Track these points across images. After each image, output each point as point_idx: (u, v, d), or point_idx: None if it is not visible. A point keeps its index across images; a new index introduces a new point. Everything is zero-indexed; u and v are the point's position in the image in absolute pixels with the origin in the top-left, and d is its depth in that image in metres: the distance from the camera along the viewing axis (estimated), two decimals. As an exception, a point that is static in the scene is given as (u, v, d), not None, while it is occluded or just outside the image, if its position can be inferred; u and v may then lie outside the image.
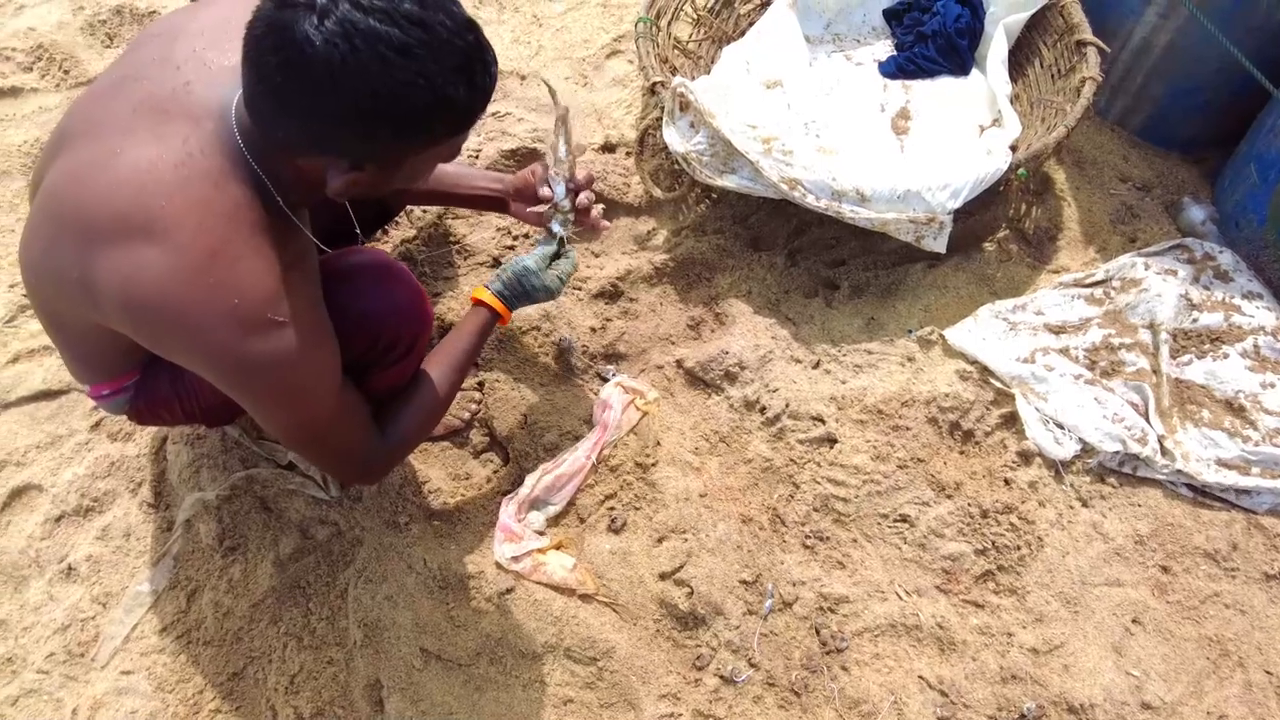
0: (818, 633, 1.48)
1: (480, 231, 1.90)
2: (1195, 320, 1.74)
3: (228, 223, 1.00)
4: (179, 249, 0.98)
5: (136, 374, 1.31)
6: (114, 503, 1.60)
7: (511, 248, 1.89)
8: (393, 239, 1.88)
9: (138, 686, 1.43)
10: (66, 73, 2.18)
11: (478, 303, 1.40)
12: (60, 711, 1.41)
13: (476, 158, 1.99)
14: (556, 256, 1.43)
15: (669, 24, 2.03)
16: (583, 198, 1.44)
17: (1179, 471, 1.58)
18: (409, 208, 1.91)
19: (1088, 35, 1.87)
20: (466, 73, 0.96)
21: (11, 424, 1.68)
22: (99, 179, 1.01)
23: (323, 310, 1.12)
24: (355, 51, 0.88)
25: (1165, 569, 1.53)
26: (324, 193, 1.06)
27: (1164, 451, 1.59)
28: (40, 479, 1.62)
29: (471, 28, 0.96)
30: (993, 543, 1.55)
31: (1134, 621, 1.49)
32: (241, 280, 0.99)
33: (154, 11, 2.32)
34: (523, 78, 2.19)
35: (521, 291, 1.41)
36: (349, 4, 0.88)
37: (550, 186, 1.43)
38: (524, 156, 2.02)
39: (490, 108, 2.09)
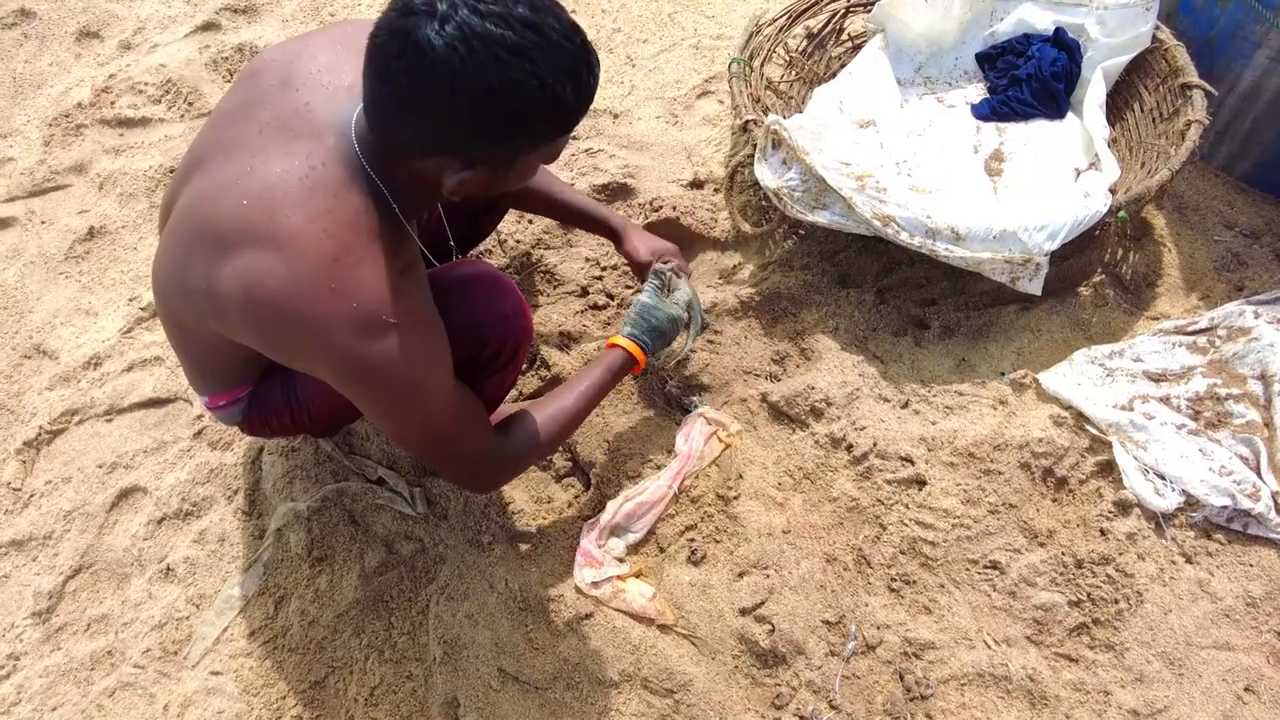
0: (902, 678, 1.43)
1: (570, 263, 1.94)
2: (1311, 373, 1.66)
3: (347, 229, 1.05)
4: (301, 255, 1.03)
5: (250, 386, 1.37)
6: (211, 508, 1.67)
7: (599, 278, 1.92)
8: (485, 266, 1.94)
9: (225, 688, 1.47)
10: (190, 105, 2.33)
11: (611, 347, 1.47)
12: (153, 706, 1.45)
13: (569, 190, 2.05)
14: (669, 292, 1.54)
15: (761, 65, 2.07)
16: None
17: (1295, 531, 1.49)
18: (503, 236, 1.97)
19: (1193, 78, 1.83)
20: (574, 74, 0.99)
21: (124, 428, 1.77)
22: (232, 195, 1.08)
23: (434, 313, 1.16)
24: (473, 53, 0.92)
25: (1281, 634, 1.44)
26: (436, 197, 1.10)
27: (1279, 508, 1.50)
28: (146, 482, 1.70)
29: (578, 31, 1.00)
30: (1088, 595, 1.49)
31: (1246, 690, 1.40)
32: (360, 284, 1.04)
33: (271, 50, 2.47)
34: (615, 116, 2.25)
35: (648, 326, 1.50)
36: (467, 10, 0.92)
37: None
38: (615, 190, 2.07)
39: (583, 144, 2.16)
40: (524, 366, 1.78)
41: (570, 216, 1.71)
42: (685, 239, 1.98)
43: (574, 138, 2.19)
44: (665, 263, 1.61)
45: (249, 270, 1.04)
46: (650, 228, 1.98)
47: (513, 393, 1.73)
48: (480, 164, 1.05)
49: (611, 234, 1.69)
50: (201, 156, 1.17)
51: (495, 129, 1.00)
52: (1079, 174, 1.94)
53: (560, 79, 0.98)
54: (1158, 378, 1.70)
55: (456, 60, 0.92)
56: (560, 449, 1.69)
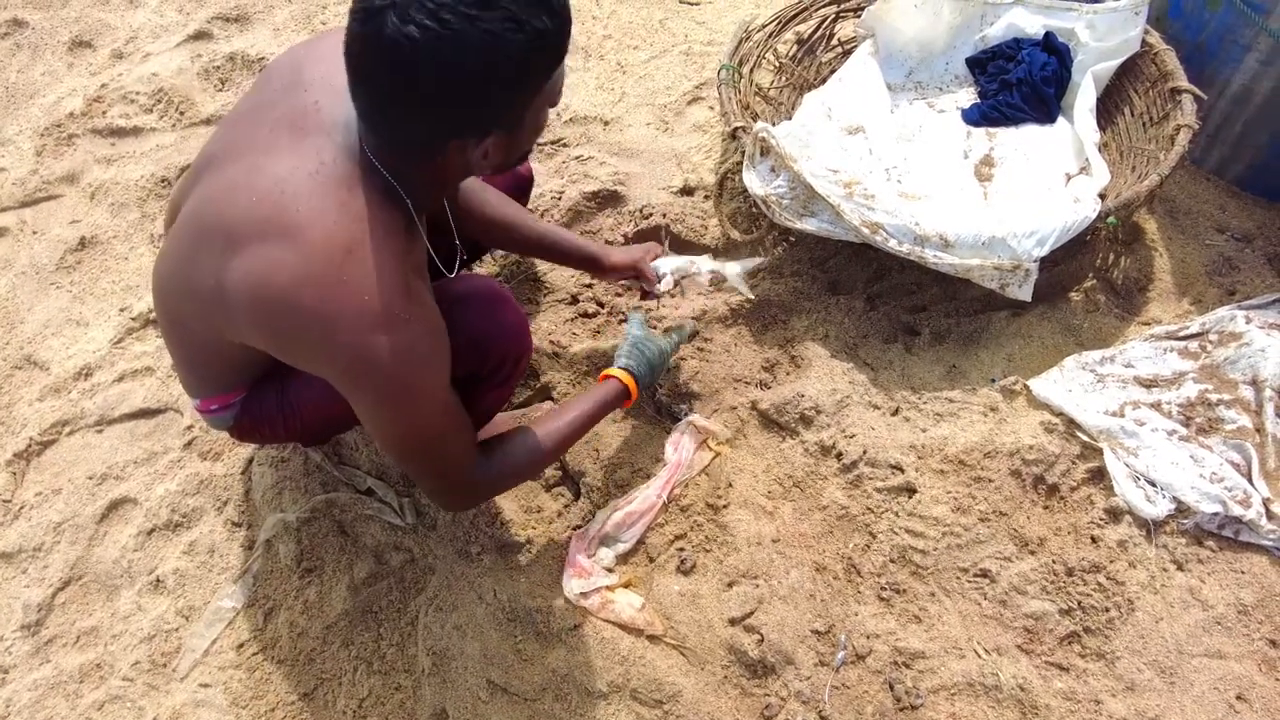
0: (892, 688, 1.43)
1: (560, 271, 1.94)
2: (1303, 378, 1.65)
3: (359, 223, 1.05)
4: (313, 246, 1.03)
5: (244, 391, 1.37)
6: (201, 519, 1.67)
7: (589, 286, 1.92)
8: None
9: (214, 700, 1.47)
10: (182, 114, 2.33)
11: (605, 378, 1.47)
12: (141, 719, 1.45)
13: (560, 198, 2.05)
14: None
15: (751, 71, 2.06)
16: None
17: (1286, 538, 1.48)
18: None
19: (1183, 82, 1.83)
20: (544, 1, 0.97)
21: (114, 439, 1.77)
22: (242, 192, 1.08)
23: (440, 315, 1.16)
24: (447, 25, 0.91)
25: (1273, 643, 1.43)
26: (447, 189, 1.09)
27: (1270, 515, 1.50)
28: (136, 493, 1.69)
29: None
30: (1079, 603, 1.48)
31: (1238, 698, 1.39)
32: (372, 278, 1.03)
33: (263, 58, 2.47)
34: (606, 123, 2.24)
35: (643, 359, 1.51)
36: None
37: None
38: (605, 198, 2.07)
39: (574, 151, 2.15)
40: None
41: (549, 251, 1.69)
42: (675, 246, 1.98)
43: (565, 145, 2.19)
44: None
45: (260, 264, 1.04)
46: (640, 235, 1.98)
47: (502, 403, 1.73)
48: (495, 129, 1.05)
49: (592, 259, 1.67)
50: (211, 156, 1.18)
51: (495, 89, 0.99)
52: (1069, 179, 1.93)
53: (533, 10, 0.96)
54: (1149, 383, 1.70)
55: (435, 39, 0.91)
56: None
